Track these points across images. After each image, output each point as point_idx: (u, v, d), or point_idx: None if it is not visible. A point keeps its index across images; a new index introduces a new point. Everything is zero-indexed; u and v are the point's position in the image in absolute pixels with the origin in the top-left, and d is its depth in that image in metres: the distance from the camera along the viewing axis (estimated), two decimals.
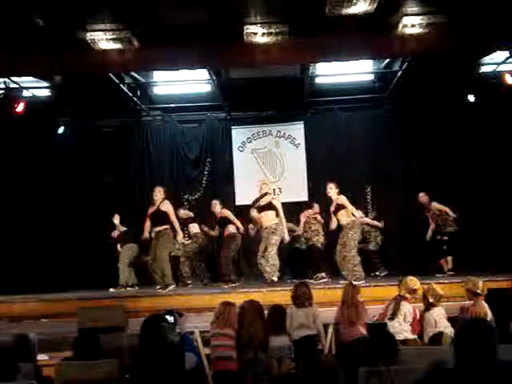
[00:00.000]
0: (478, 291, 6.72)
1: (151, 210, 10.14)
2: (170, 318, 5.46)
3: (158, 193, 10.10)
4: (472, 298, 6.75)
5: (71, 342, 5.44)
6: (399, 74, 11.13)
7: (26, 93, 10.66)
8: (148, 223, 10.15)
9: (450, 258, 10.79)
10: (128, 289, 10.66)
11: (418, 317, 6.77)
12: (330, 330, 7.12)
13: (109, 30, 7.92)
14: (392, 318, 6.60)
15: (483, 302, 6.65)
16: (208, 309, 8.31)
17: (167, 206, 10.02)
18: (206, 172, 12.86)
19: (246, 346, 6.06)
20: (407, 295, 6.84)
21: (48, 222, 11.76)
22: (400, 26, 8.02)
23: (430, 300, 6.74)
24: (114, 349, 5.88)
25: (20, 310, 8.97)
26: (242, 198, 12.30)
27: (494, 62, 10.50)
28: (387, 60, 11.15)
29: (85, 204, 12.32)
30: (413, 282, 6.93)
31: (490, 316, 6.46)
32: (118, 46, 8.20)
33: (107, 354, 5.20)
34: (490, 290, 7.03)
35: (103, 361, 4.97)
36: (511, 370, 3.09)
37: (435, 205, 11.01)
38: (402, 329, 6.54)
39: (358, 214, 10.16)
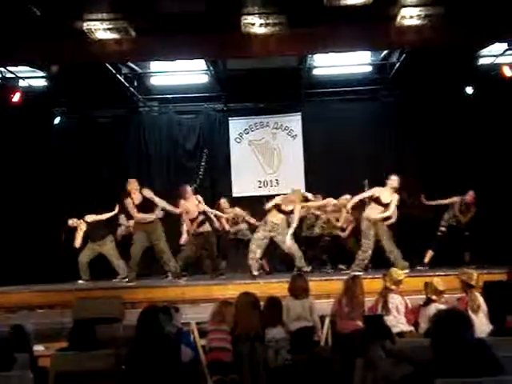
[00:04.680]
0: (473, 283, 6.69)
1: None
2: (167, 313, 5.47)
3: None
4: (466, 290, 6.73)
5: (67, 332, 5.44)
6: (397, 65, 11.12)
7: (22, 82, 10.63)
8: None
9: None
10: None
11: (409, 306, 6.78)
12: (327, 321, 7.12)
13: (106, 20, 7.88)
14: (386, 314, 6.58)
15: (477, 294, 6.64)
16: (204, 300, 8.33)
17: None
18: (202, 163, 12.82)
19: (243, 338, 6.05)
20: (393, 287, 6.84)
21: (44, 213, 11.73)
22: (398, 17, 7.99)
23: (429, 296, 6.73)
24: (110, 340, 5.88)
25: (16, 300, 8.95)
26: (239, 189, 12.30)
27: (493, 54, 10.47)
28: (385, 51, 11.12)
29: (81, 194, 12.26)
30: (397, 273, 6.95)
31: (484, 308, 6.45)
32: (114, 35, 8.16)
33: (103, 345, 5.19)
34: (487, 282, 7.02)
35: (99, 352, 4.96)
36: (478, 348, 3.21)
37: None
38: (397, 321, 6.53)
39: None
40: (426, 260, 10.62)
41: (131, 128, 13.05)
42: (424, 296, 6.84)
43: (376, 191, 10.03)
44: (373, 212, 9.94)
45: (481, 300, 6.52)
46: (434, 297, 6.69)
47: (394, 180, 9.89)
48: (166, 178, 12.66)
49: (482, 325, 6.10)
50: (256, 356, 5.96)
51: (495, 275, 8.34)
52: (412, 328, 6.63)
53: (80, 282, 10.53)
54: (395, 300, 6.72)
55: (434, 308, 6.46)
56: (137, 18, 8.02)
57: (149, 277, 10.76)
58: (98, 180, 12.43)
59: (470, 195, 10.65)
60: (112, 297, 7.88)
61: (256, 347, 6.00)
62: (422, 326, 6.58)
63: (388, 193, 9.94)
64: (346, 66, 11.88)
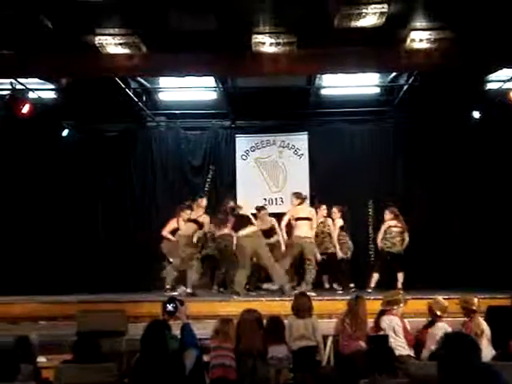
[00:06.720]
0: (474, 308, 6.69)
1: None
2: (171, 306, 5.40)
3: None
4: (468, 315, 6.72)
5: (70, 345, 5.44)
6: (405, 88, 11.17)
7: (31, 94, 10.68)
8: None
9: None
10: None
11: (408, 328, 6.76)
12: (330, 341, 7.11)
13: (117, 35, 7.96)
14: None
15: (480, 318, 6.63)
16: (207, 316, 8.30)
17: None
18: (208, 179, 12.84)
19: (245, 355, 6.04)
20: (388, 307, 6.86)
21: (50, 224, 11.78)
22: (408, 40, 8.05)
23: (438, 313, 6.71)
24: (112, 353, 5.89)
25: (19, 311, 8.97)
26: (244, 206, 12.27)
27: (500, 79, 10.51)
28: (394, 74, 11.17)
29: (87, 207, 12.32)
30: (394, 294, 6.97)
31: (487, 333, 6.43)
32: (125, 50, 8.23)
33: (106, 358, 5.20)
34: (491, 307, 7.01)
35: (102, 365, 4.97)
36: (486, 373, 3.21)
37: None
38: (396, 345, 6.50)
39: None
40: (372, 284, 10.49)
41: (138, 142, 13.07)
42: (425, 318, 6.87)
43: (293, 212, 10.62)
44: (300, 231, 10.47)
45: (484, 325, 6.51)
46: (441, 313, 6.68)
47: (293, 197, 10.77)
48: (171, 193, 12.66)
49: (484, 349, 6.08)
50: (258, 374, 5.95)
51: (499, 300, 8.32)
52: (410, 352, 6.62)
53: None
54: (392, 322, 6.71)
55: (440, 327, 6.46)
56: (148, 34, 8.09)
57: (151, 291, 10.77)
58: (104, 193, 12.47)
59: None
60: (115, 310, 7.87)
61: (258, 365, 5.99)
62: (430, 347, 6.55)
63: (305, 210, 10.61)
64: (354, 87, 11.90)
